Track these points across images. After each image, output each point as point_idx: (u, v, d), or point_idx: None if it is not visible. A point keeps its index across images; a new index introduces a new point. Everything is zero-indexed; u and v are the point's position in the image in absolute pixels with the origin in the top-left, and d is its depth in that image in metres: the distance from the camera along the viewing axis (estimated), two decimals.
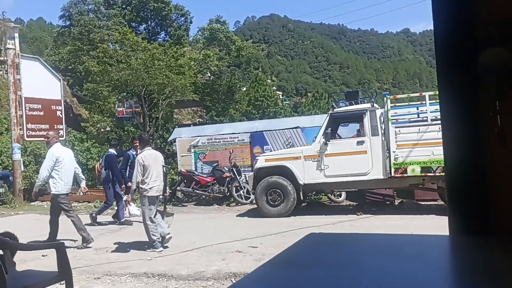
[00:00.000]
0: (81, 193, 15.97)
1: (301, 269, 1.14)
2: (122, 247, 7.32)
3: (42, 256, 6.17)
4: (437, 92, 1.61)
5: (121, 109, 33.59)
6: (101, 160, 10.67)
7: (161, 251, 6.88)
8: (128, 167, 9.83)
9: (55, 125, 15.32)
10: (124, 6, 32.94)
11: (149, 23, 33.74)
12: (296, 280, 1.06)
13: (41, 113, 15.06)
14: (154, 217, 7.06)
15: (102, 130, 24.10)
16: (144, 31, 32.20)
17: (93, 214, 9.99)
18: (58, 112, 15.53)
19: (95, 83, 22.97)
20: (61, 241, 6.66)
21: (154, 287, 5.25)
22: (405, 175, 9.39)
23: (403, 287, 1.01)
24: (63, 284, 3.69)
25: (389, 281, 1.04)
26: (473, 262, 1.20)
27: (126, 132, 24.05)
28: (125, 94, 26.17)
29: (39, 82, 14.93)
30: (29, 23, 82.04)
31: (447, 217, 1.50)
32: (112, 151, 10.08)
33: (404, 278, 1.06)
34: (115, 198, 10.09)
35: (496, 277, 1.08)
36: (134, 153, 9.82)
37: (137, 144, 9.72)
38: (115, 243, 7.62)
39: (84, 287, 5.28)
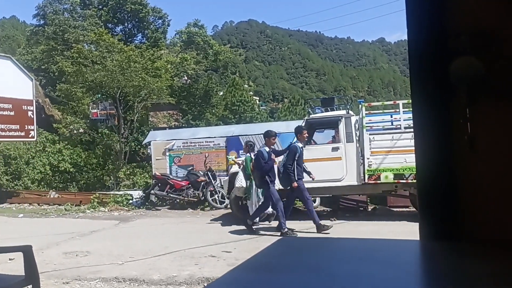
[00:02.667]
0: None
1: (273, 273, 1.13)
2: (93, 251, 7.18)
3: (10, 259, 6.00)
4: (410, 101, 1.64)
5: (95, 111, 33.09)
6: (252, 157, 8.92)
7: None
8: (295, 162, 8.34)
9: (26, 126, 14.95)
10: (100, 7, 32.53)
11: (126, 24, 33.40)
12: (267, 284, 1.05)
13: (12, 113, 14.66)
14: None
15: (75, 131, 23.69)
16: (120, 33, 31.82)
17: (283, 230, 8.13)
18: (30, 113, 15.14)
19: (68, 84, 22.57)
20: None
21: None
22: (378, 181, 9.50)
23: None
24: None
25: (359, 285, 1.05)
26: (442, 267, 1.21)
27: (100, 135, 23.70)
28: (99, 95, 25.80)
29: (10, 81, 14.54)
30: (1, 21, 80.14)
31: (418, 224, 1.51)
32: (265, 148, 8.38)
33: (374, 282, 1.07)
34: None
35: (464, 282, 1.09)
36: (301, 145, 8.55)
37: (306, 135, 8.74)
38: (85, 247, 7.47)
39: None
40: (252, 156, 9.04)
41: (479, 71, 1.38)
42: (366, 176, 9.52)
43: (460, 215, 1.45)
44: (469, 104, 1.42)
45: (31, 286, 3.45)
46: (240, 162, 9.82)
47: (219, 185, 12.56)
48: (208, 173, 12.81)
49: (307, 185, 9.85)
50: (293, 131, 8.96)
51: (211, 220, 10.70)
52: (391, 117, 10.63)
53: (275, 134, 8.70)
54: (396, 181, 9.38)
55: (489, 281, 1.08)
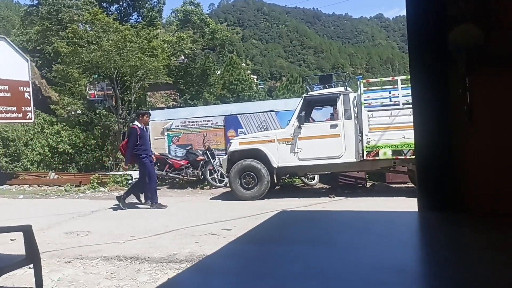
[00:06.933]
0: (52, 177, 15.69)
1: (271, 245, 1.13)
2: (94, 231, 7.22)
3: (11, 240, 6.03)
4: (409, 77, 1.62)
5: (93, 91, 32.87)
6: None
7: None
8: None
9: (23, 107, 14.89)
10: None
11: (121, 3, 32.87)
12: (266, 255, 1.05)
13: (8, 95, 14.58)
14: None
15: (72, 113, 23.60)
16: (115, 12, 31.33)
17: None
18: (26, 94, 15.06)
19: (65, 65, 22.36)
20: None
21: (126, 270, 5.20)
22: (377, 158, 9.51)
23: (370, 261, 1.01)
24: (32, 268, 3.61)
25: (356, 256, 1.04)
26: (439, 237, 1.21)
27: (98, 115, 23.61)
28: (96, 76, 25.58)
29: (6, 62, 14.42)
30: None
31: (416, 199, 1.51)
32: None
33: (372, 252, 1.07)
34: None
35: (460, 251, 1.09)
36: None
37: None
38: (86, 227, 7.51)
39: (54, 271, 5.18)
40: None
41: (478, 38, 1.35)
42: (365, 153, 9.54)
43: (458, 186, 1.44)
44: (468, 73, 1.40)
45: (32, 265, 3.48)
46: None
47: (218, 164, 12.59)
48: (207, 152, 12.82)
49: (305, 163, 9.88)
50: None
51: (210, 199, 10.76)
52: (390, 93, 10.59)
53: None
54: (394, 157, 9.41)
55: (484, 249, 1.08)
